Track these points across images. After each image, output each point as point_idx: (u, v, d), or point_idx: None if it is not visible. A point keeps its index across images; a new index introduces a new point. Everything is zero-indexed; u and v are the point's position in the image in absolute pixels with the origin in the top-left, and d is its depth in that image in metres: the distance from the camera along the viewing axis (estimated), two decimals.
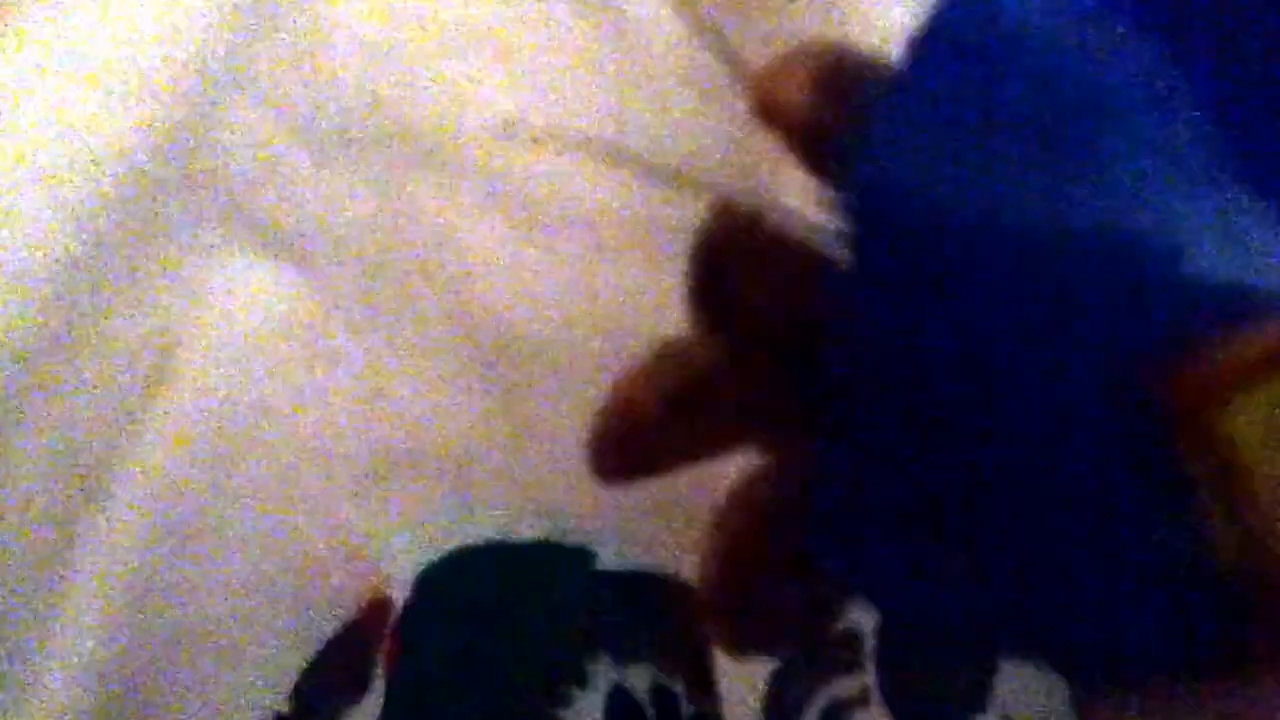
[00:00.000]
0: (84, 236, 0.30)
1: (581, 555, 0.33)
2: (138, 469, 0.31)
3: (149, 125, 0.31)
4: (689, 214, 0.23)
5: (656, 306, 0.31)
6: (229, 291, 0.32)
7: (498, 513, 0.33)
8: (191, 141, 0.32)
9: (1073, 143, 0.18)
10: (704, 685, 0.32)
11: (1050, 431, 0.18)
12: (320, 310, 0.33)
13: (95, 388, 0.31)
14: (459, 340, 0.33)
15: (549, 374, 0.33)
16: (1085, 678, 0.22)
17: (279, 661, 0.31)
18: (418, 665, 0.32)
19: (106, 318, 0.31)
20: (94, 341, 0.31)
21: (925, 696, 0.32)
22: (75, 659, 0.30)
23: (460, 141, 0.33)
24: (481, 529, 0.33)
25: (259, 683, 0.31)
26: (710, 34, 0.23)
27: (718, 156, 0.33)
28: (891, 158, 0.18)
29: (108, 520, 0.30)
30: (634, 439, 0.23)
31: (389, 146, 0.33)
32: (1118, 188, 0.18)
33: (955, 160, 0.18)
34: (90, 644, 0.30)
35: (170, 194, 0.32)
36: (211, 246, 0.32)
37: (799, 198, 0.22)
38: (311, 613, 0.32)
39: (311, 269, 0.33)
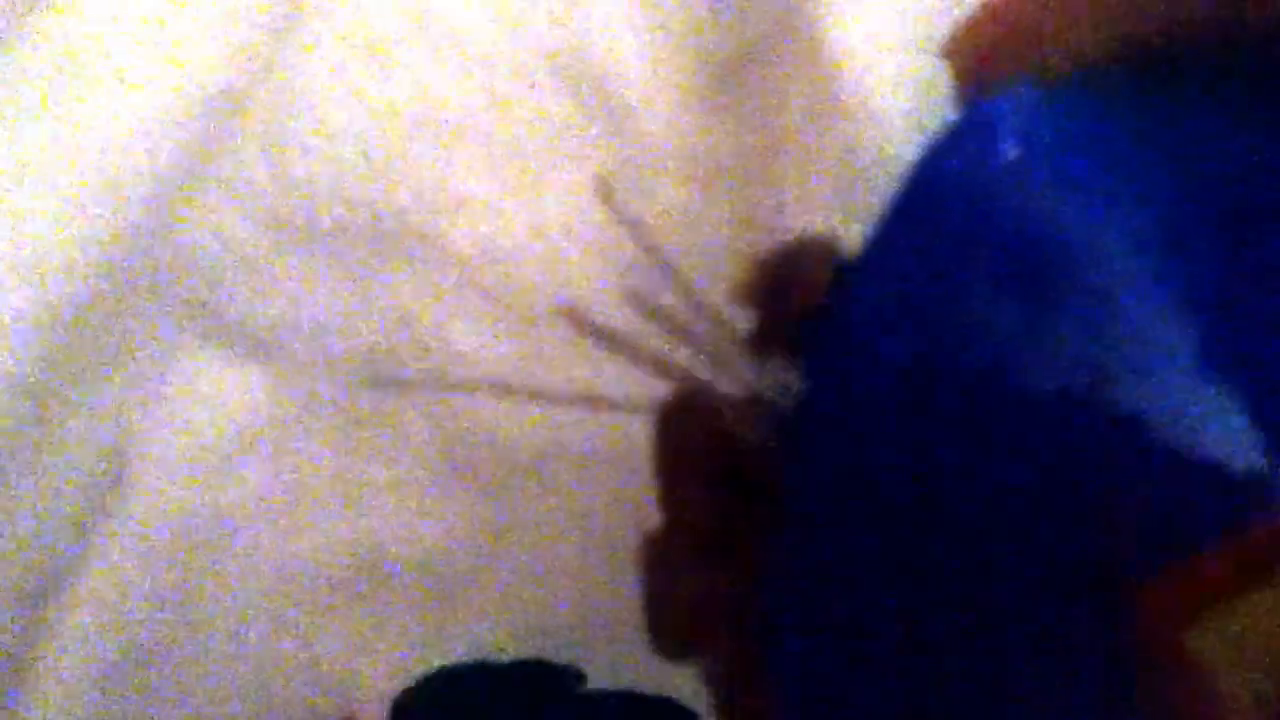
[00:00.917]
0: (36, 346, 0.29)
1: (570, 675, 0.31)
2: (87, 590, 0.29)
3: (113, 222, 0.30)
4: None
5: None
6: (190, 393, 0.31)
7: (480, 629, 0.31)
8: (157, 236, 0.31)
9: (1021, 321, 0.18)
10: None
11: (1010, 611, 0.18)
12: (292, 411, 0.31)
13: (46, 500, 0.29)
14: (440, 442, 0.31)
15: (533, 480, 0.31)
16: None
17: None
18: None
19: (61, 425, 0.30)
20: (45, 453, 0.29)
21: None
22: None
23: (436, 232, 0.31)
24: (461, 647, 0.31)
25: None
26: (628, 223, 0.25)
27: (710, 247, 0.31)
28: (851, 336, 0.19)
29: (58, 649, 0.29)
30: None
31: (362, 238, 0.31)
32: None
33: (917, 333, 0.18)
34: None
35: (136, 292, 0.31)
36: (174, 346, 0.31)
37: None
38: None
39: (282, 368, 0.31)
